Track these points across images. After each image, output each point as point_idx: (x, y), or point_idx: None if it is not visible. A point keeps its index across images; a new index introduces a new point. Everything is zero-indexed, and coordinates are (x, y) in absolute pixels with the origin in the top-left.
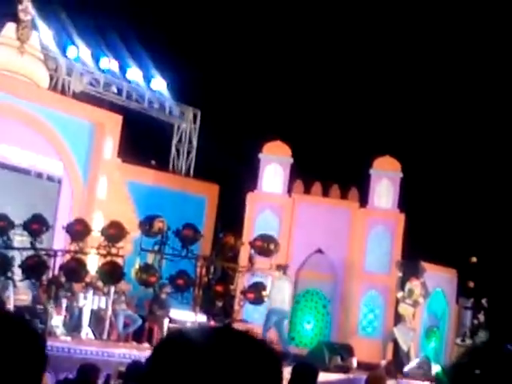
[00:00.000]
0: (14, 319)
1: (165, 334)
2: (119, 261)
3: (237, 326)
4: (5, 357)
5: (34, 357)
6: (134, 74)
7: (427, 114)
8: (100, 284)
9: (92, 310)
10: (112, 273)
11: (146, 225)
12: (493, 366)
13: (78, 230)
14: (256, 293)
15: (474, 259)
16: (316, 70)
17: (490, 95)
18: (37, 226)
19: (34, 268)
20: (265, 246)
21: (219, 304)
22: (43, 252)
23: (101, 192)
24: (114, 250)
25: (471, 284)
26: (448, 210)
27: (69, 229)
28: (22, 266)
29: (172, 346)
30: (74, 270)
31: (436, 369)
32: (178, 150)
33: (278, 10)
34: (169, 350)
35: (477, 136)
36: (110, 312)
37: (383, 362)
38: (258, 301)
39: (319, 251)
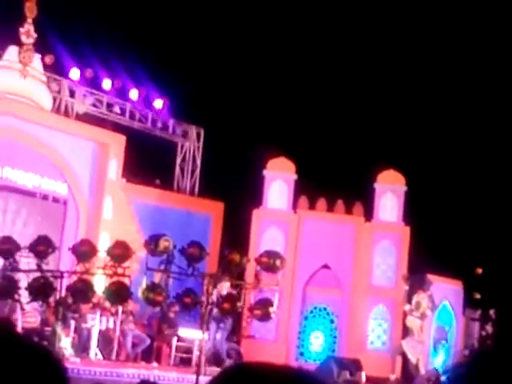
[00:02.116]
0: (37, 351)
1: (173, 352)
2: (126, 281)
3: (245, 342)
4: None
5: None
6: (137, 94)
7: (430, 127)
8: (107, 304)
9: (100, 331)
10: (119, 293)
11: (152, 244)
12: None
13: (84, 251)
14: (263, 309)
15: (480, 270)
16: (319, 86)
17: (494, 109)
18: (42, 247)
19: (41, 290)
20: (271, 262)
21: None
22: (49, 273)
23: (106, 212)
24: (120, 270)
25: (477, 295)
26: (452, 222)
27: (75, 250)
28: (29, 288)
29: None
30: (81, 291)
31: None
32: (182, 169)
33: (279, 26)
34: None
35: (479, 148)
36: (118, 332)
37: (392, 376)
38: (265, 317)
39: (325, 266)
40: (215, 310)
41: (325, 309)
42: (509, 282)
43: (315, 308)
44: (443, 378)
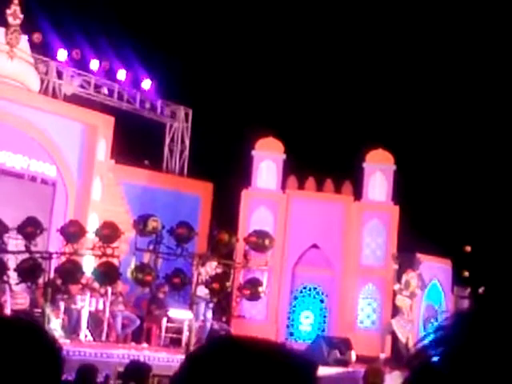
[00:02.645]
0: (32, 329)
1: (163, 333)
2: (114, 261)
3: (235, 322)
4: (24, 369)
5: (52, 367)
6: (125, 75)
7: (419, 105)
8: (96, 285)
9: (90, 312)
10: (108, 273)
11: (140, 224)
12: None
13: (73, 232)
14: (252, 289)
15: (469, 248)
16: (306, 64)
17: (481, 85)
18: (31, 228)
19: (30, 271)
20: (260, 241)
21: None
22: (38, 255)
23: (95, 194)
24: (109, 251)
25: (466, 273)
26: (441, 200)
27: (63, 231)
28: (18, 269)
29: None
30: (70, 272)
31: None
32: (170, 150)
33: (267, 4)
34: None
35: (468, 126)
36: (107, 313)
37: (382, 355)
38: (255, 297)
39: (315, 246)
40: (204, 290)
41: (314, 288)
42: (497, 259)
43: (305, 288)
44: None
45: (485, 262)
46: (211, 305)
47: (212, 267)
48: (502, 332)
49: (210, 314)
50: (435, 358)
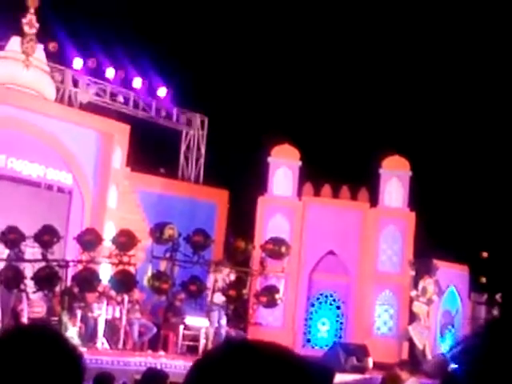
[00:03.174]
0: (52, 337)
1: (180, 340)
2: (131, 269)
3: (251, 329)
4: (44, 376)
5: (73, 374)
6: (140, 83)
7: (434, 111)
8: (113, 293)
9: (106, 320)
10: (124, 281)
11: (157, 232)
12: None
13: (89, 240)
14: (269, 296)
15: (485, 254)
16: (322, 72)
17: (500, 90)
18: (48, 237)
19: (46, 279)
20: (276, 248)
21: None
22: (55, 263)
23: (111, 202)
24: (125, 259)
25: (483, 279)
26: (457, 207)
27: (80, 239)
28: (34, 277)
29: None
30: (87, 280)
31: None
32: (186, 158)
33: (283, 12)
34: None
35: (484, 132)
36: (124, 321)
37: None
38: (271, 304)
39: (331, 253)
40: (221, 297)
41: (331, 295)
42: None
43: (321, 294)
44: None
45: (502, 267)
46: (225, 312)
47: (225, 274)
48: None
49: (224, 321)
50: (458, 368)
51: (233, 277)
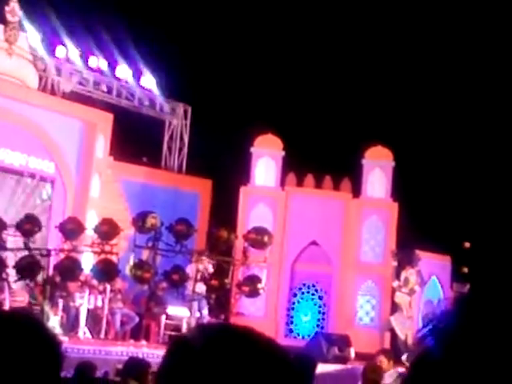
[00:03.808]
0: (30, 323)
1: (162, 330)
2: (113, 258)
3: (234, 319)
4: (22, 363)
5: (52, 362)
6: (124, 71)
7: (417, 101)
8: (95, 282)
9: (88, 309)
10: (106, 270)
11: (139, 221)
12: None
13: (71, 229)
14: (251, 286)
15: (468, 244)
16: (304, 61)
17: (479, 81)
18: (29, 225)
19: (28, 268)
20: (258, 238)
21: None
22: (37, 252)
23: (94, 191)
24: (107, 248)
25: (465, 269)
26: (439, 197)
27: (62, 227)
28: (16, 266)
29: (180, 350)
30: (69, 269)
31: None
32: (169, 147)
33: (264, 1)
34: (177, 354)
35: (467, 122)
36: (106, 310)
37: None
38: (254, 294)
39: (314, 243)
40: (202, 287)
41: (313, 285)
42: (496, 255)
43: (304, 284)
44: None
45: (484, 258)
46: (207, 301)
47: (205, 264)
48: (496, 318)
49: (206, 311)
50: (431, 345)
51: (211, 268)
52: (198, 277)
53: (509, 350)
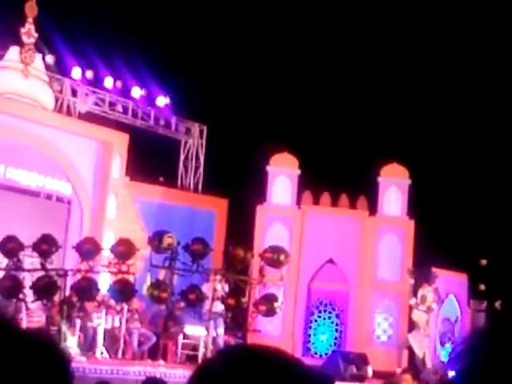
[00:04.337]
0: (41, 342)
1: (180, 350)
2: (130, 278)
3: (251, 337)
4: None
5: (61, 381)
6: (139, 92)
7: (433, 119)
8: (112, 302)
9: (106, 329)
10: (123, 290)
11: (156, 241)
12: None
13: (88, 249)
14: (268, 305)
15: (484, 261)
16: (321, 80)
17: (499, 100)
18: (46, 246)
19: (45, 289)
20: (275, 257)
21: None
22: (53, 272)
23: (110, 211)
24: (124, 268)
25: (482, 287)
26: (456, 214)
27: (78, 248)
28: (33, 287)
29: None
30: (85, 289)
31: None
32: (185, 166)
33: (281, 22)
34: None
35: (483, 140)
36: (124, 330)
37: (399, 370)
38: (270, 312)
39: (331, 261)
40: (220, 306)
41: (330, 304)
42: None
43: (321, 303)
44: (450, 359)
45: (501, 275)
46: (224, 320)
47: (222, 284)
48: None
49: (221, 330)
50: (453, 374)
51: (227, 287)
52: (215, 296)
53: None
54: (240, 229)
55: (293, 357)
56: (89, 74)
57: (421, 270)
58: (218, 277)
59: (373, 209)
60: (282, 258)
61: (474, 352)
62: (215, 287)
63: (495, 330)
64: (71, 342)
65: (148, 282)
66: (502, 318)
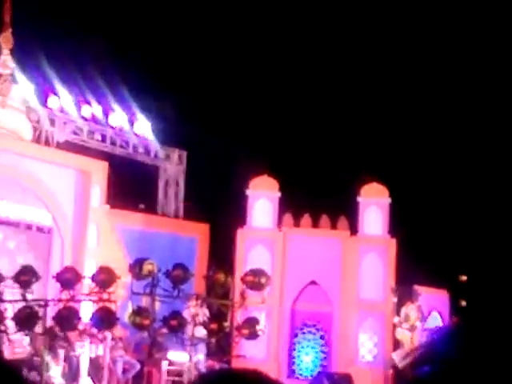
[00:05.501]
0: (9, 372)
1: (164, 376)
2: (112, 306)
3: (235, 362)
4: None
5: None
6: (117, 119)
7: (411, 138)
8: (95, 331)
9: (90, 359)
10: (105, 319)
11: (136, 268)
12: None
13: (68, 278)
14: (250, 328)
15: (464, 277)
16: (299, 102)
17: (476, 120)
18: (26, 277)
19: (26, 320)
20: (256, 280)
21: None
22: (34, 303)
23: (91, 240)
24: (105, 296)
25: (463, 302)
26: (436, 231)
27: (59, 277)
28: (14, 318)
29: None
30: (67, 319)
31: None
32: (165, 193)
33: (254, 46)
34: None
35: (460, 158)
36: (108, 359)
37: None
38: (253, 336)
39: (313, 283)
40: (202, 331)
41: (314, 325)
42: (492, 287)
43: (305, 324)
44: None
45: (481, 290)
46: (207, 345)
47: (199, 309)
48: (494, 348)
49: (201, 356)
50: (423, 374)
51: (207, 312)
52: (197, 321)
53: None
54: (222, 253)
55: (273, 379)
56: (66, 102)
57: (403, 288)
58: (197, 302)
59: (354, 229)
60: (263, 280)
61: (443, 353)
62: (196, 312)
63: (464, 330)
64: (55, 372)
65: (130, 310)
66: (470, 317)
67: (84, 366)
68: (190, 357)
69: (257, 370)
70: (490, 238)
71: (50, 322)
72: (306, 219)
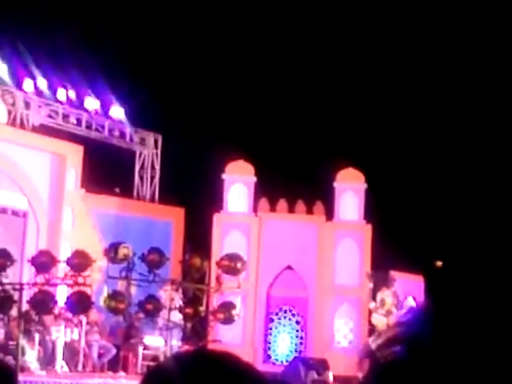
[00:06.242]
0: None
1: (140, 361)
2: (87, 290)
3: (211, 347)
4: None
5: None
6: (93, 103)
7: (388, 122)
8: (70, 315)
9: (65, 343)
10: (80, 303)
11: (111, 252)
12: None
13: (43, 262)
14: (226, 313)
15: (440, 263)
16: (274, 86)
17: (450, 103)
18: (1, 260)
19: (1, 303)
20: (231, 265)
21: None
22: (9, 286)
23: (66, 223)
24: (80, 280)
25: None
26: (412, 217)
27: (34, 261)
28: None
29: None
30: (42, 303)
31: None
32: (141, 177)
33: (232, 28)
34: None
35: (437, 144)
36: (83, 343)
37: (360, 375)
38: (229, 320)
39: (289, 268)
40: (177, 315)
41: (290, 310)
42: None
43: (280, 309)
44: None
45: (457, 276)
46: (182, 330)
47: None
48: (466, 328)
49: (175, 341)
50: (394, 355)
51: (177, 297)
52: (172, 305)
53: (478, 361)
54: (198, 237)
55: (245, 361)
56: (41, 85)
57: (379, 274)
58: (169, 287)
59: (330, 214)
60: (238, 265)
61: (416, 335)
62: (172, 297)
63: (437, 310)
64: (30, 357)
65: (105, 294)
66: (442, 296)
67: (59, 351)
68: (166, 341)
69: (230, 352)
70: (465, 224)
71: (25, 306)
72: (282, 204)
